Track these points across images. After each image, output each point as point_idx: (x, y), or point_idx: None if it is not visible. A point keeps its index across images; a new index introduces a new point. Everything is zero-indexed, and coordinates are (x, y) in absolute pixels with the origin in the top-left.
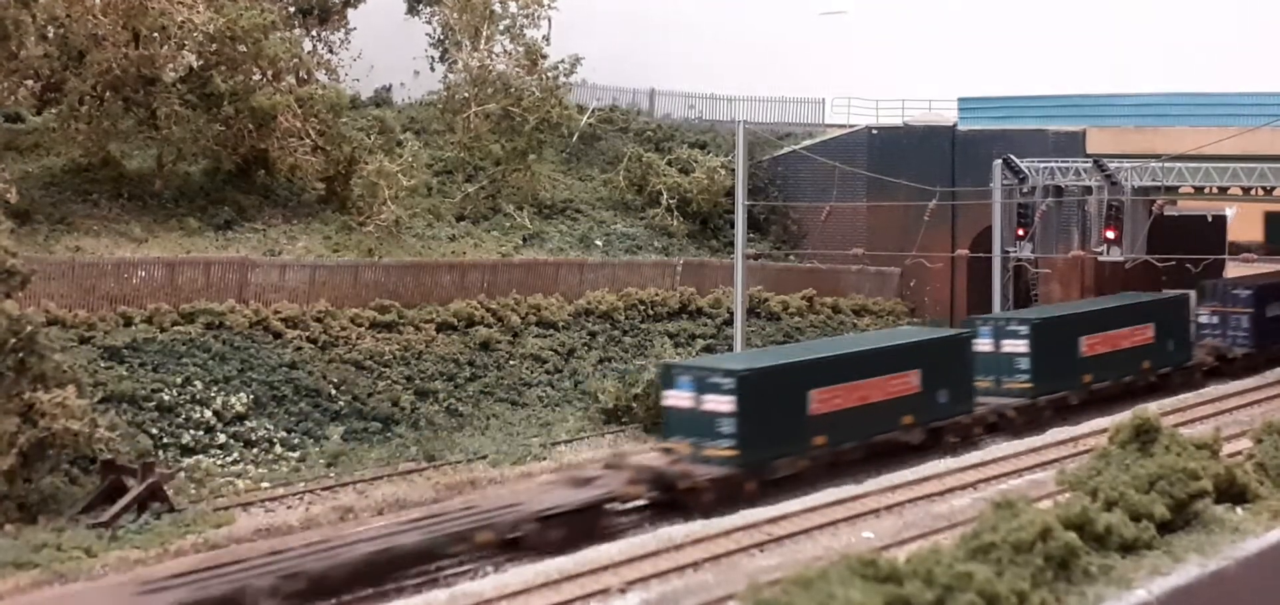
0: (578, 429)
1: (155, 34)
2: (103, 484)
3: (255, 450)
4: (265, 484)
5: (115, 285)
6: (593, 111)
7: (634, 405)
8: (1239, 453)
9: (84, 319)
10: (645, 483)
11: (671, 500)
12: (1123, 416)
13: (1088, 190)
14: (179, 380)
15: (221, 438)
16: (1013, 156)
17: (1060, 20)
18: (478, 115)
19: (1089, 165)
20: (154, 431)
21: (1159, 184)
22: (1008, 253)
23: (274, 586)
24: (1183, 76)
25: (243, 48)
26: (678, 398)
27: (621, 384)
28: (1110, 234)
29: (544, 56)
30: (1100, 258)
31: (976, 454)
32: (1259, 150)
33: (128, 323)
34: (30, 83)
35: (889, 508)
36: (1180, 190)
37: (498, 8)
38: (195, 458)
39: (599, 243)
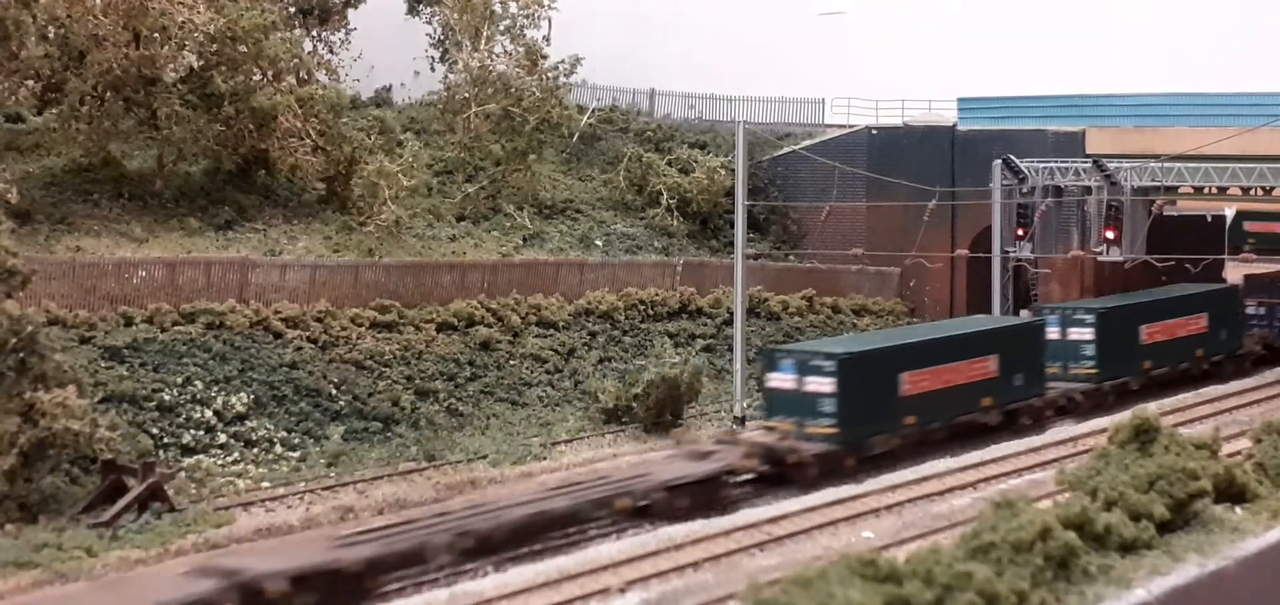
0: (578, 429)
1: (156, 34)
2: (103, 484)
3: (256, 450)
4: (266, 484)
5: (116, 285)
6: (593, 111)
7: (634, 405)
8: (1238, 452)
9: (85, 319)
10: (758, 457)
11: (779, 474)
12: (1122, 416)
13: (1087, 190)
14: (179, 380)
15: (222, 438)
16: (1012, 156)
17: (1060, 20)
18: (478, 115)
19: (1088, 165)
20: (154, 431)
21: (1158, 184)
22: (1007, 253)
23: (449, 543)
24: (1182, 76)
25: (243, 48)
26: (780, 380)
27: (621, 384)
28: (1110, 234)
29: (544, 57)
30: (1100, 258)
31: (976, 454)
32: (1259, 150)
33: (128, 323)
34: (31, 83)
35: (889, 508)
36: (1180, 190)
37: (498, 8)
38: (196, 457)
39: (599, 243)
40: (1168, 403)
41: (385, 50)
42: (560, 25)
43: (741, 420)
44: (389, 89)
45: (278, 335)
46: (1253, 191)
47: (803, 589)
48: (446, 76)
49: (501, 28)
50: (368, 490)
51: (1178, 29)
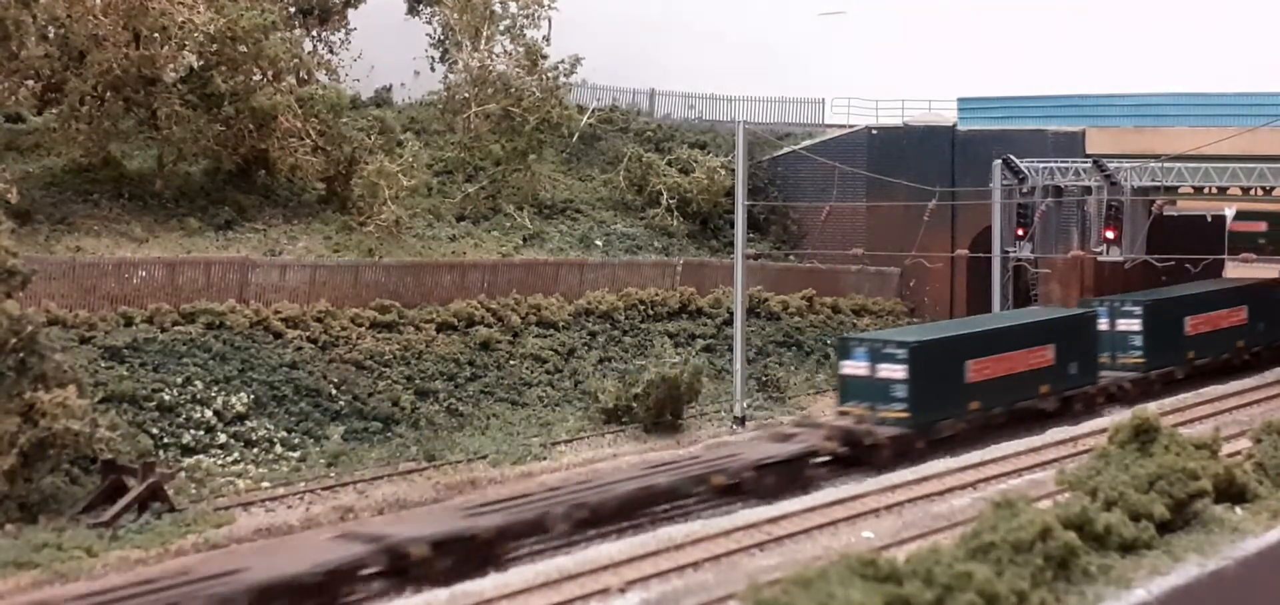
0: (578, 429)
1: (156, 34)
2: (103, 484)
3: (256, 450)
4: (265, 484)
5: (116, 285)
6: (593, 111)
7: (634, 405)
8: (1238, 452)
9: (85, 319)
10: (837, 439)
11: (854, 455)
12: (1122, 416)
13: (1087, 190)
14: (179, 380)
15: (222, 438)
16: (1012, 157)
17: (1060, 20)
18: (478, 115)
19: (1088, 165)
20: (154, 431)
21: (1158, 184)
22: (1007, 253)
23: (566, 513)
24: (1182, 76)
25: (243, 48)
26: (854, 367)
27: (621, 384)
28: (1110, 234)
29: (544, 56)
30: (1100, 258)
31: (976, 454)
32: (1258, 150)
33: (128, 323)
34: (31, 83)
35: (889, 507)
36: (1179, 190)
37: (498, 8)
38: (196, 457)
39: (599, 243)
40: (1168, 403)
41: (385, 50)
42: (560, 25)
43: (741, 420)
44: (389, 89)
45: (278, 335)
46: (1253, 191)
47: (803, 589)
48: (446, 76)
49: (501, 28)
50: (368, 490)
51: (1178, 29)
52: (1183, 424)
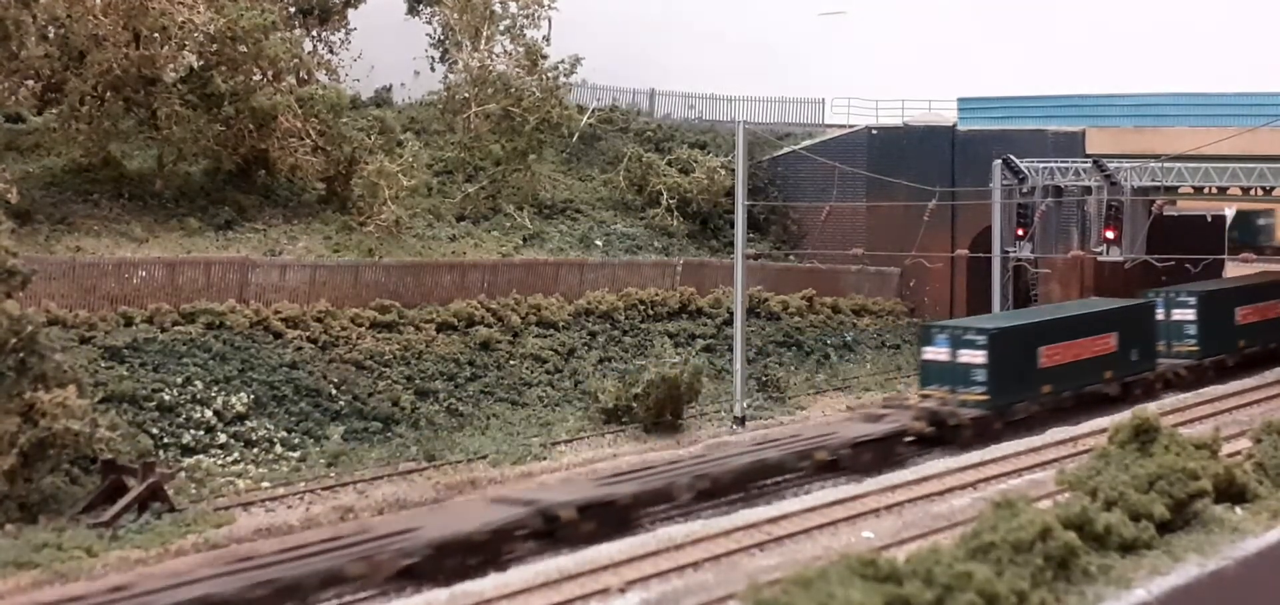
0: (578, 429)
1: (156, 34)
2: (103, 484)
3: (256, 450)
4: (266, 484)
5: (116, 285)
6: (593, 111)
7: (634, 405)
8: (1238, 452)
9: (85, 319)
10: (925, 419)
11: (938, 436)
12: (1123, 416)
13: (1087, 190)
14: (179, 380)
15: (222, 438)
16: (1012, 156)
17: (1060, 20)
18: (478, 115)
19: (1088, 165)
20: (154, 431)
21: (1158, 184)
22: (1007, 253)
23: (690, 483)
24: (1182, 76)
25: (243, 48)
26: (935, 353)
27: (621, 384)
28: (1110, 234)
29: (544, 56)
30: (1100, 258)
31: (976, 454)
32: (1258, 150)
33: (128, 323)
34: (31, 83)
35: (889, 507)
36: (1180, 190)
37: (498, 8)
38: (196, 457)
39: (599, 243)
40: (1168, 403)
41: (385, 50)
42: (560, 25)
43: (741, 421)
44: (389, 89)
45: (278, 335)
46: (1253, 191)
47: (803, 589)
48: (446, 76)
49: (501, 28)
50: (368, 490)
51: (1178, 29)
52: (1183, 424)
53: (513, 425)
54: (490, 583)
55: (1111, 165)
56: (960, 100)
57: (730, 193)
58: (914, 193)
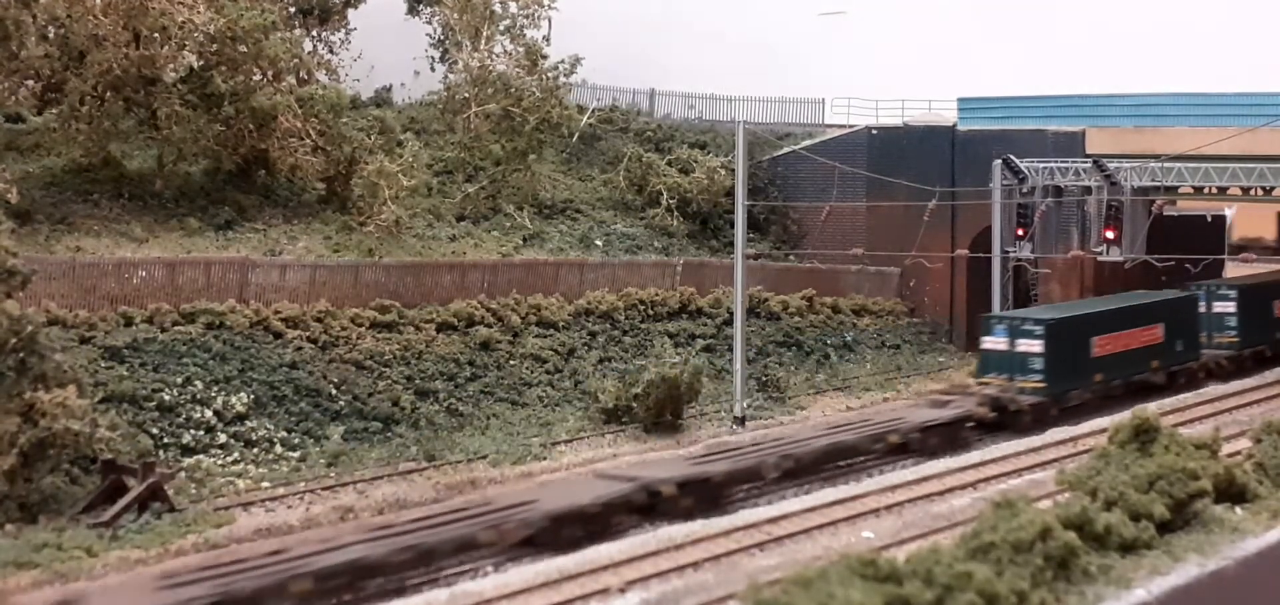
0: (578, 429)
1: (156, 34)
2: (103, 484)
3: (256, 450)
4: (265, 484)
5: (116, 285)
6: (593, 111)
7: (634, 405)
8: (1238, 453)
9: (85, 319)
10: (987, 405)
11: (998, 421)
12: (1122, 416)
13: (1087, 190)
14: (179, 380)
15: (222, 438)
16: (1012, 156)
17: (1060, 20)
18: (478, 115)
19: (1088, 165)
20: (154, 431)
21: (1158, 184)
22: (1007, 253)
23: (777, 463)
24: (1182, 76)
25: (243, 48)
26: (994, 342)
27: (621, 384)
28: (1110, 234)
29: (544, 56)
30: (1100, 258)
31: (976, 454)
32: (1258, 150)
33: (128, 323)
34: (31, 83)
35: (889, 508)
36: (1180, 190)
37: (498, 8)
38: (196, 457)
39: (599, 243)
40: (1168, 403)
41: (385, 50)
42: (560, 25)
43: (742, 420)
44: (389, 89)
45: (278, 335)
46: (1253, 191)
47: (803, 589)
48: (446, 76)
49: (501, 28)
50: (368, 490)
51: (1178, 29)
52: (1183, 424)
53: (513, 425)
54: (490, 583)
55: (1111, 165)
56: (960, 100)
57: (730, 193)
58: (914, 193)
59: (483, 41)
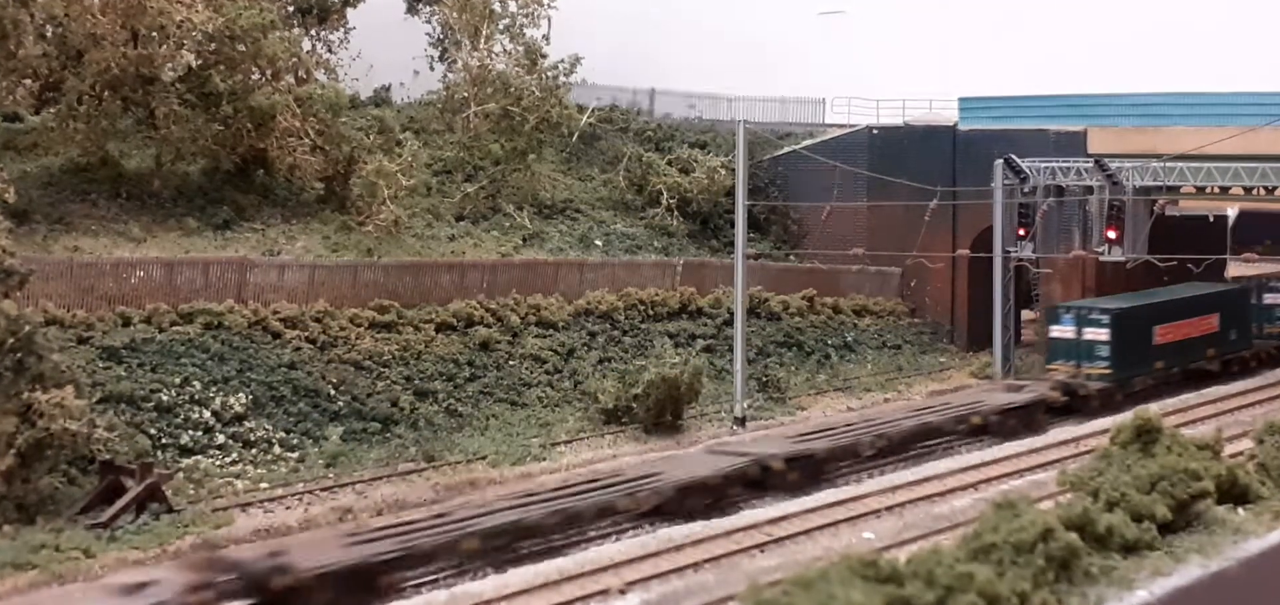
0: (577, 429)
1: (154, 33)
2: (101, 484)
3: (254, 450)
4: (264, 484)
5: (114, 285)
6: (593, 111)
7: (634, 405)
8: (1241, 453)
9: (82, 319)
10: (1060, 390)
11: (1068, 406)
12: (1124, 416)
13: (1089, 190)
14: (177, 380)
15: (220, 438)
16: (1013, 156)
17: (1060, 20)
18: (477, 115)
19: (1090, 165)
20: (152, 432)
21: (1160, 184)
22: (1009, 253)
23: (871, 442)
24: (1184, 76)
25: (242, 47)
26: (1061, 331)
27: (621, 384)
28: (1112, 234)
29: (544, 56)
30: (1102, 258)
31: (977, 454)
32: (1260, 150)
33: (126, 323)
34: (29, 82)
35: (889, 508)
36: (1182, 190)
37: (497, 7)
38: (194, 458)
39: (599, 243)
40: (1171, 403)
41: (385, 50)
42: (560, 25)
43: (742, 421)
44: (388, 88)
45: (276, 335)
46: (1254, 191)
47: (803, 590)
48: (446, 76)
49: (501, 27)
50: (366, 491)
51: (1179, 29)
52: (1185, 424)
53: (512, 425)
54: (490, 583)
55: (1113, 165)
56: (961, 100)
57: (730, 193)
58: (915, 193)
59: (482, 41)
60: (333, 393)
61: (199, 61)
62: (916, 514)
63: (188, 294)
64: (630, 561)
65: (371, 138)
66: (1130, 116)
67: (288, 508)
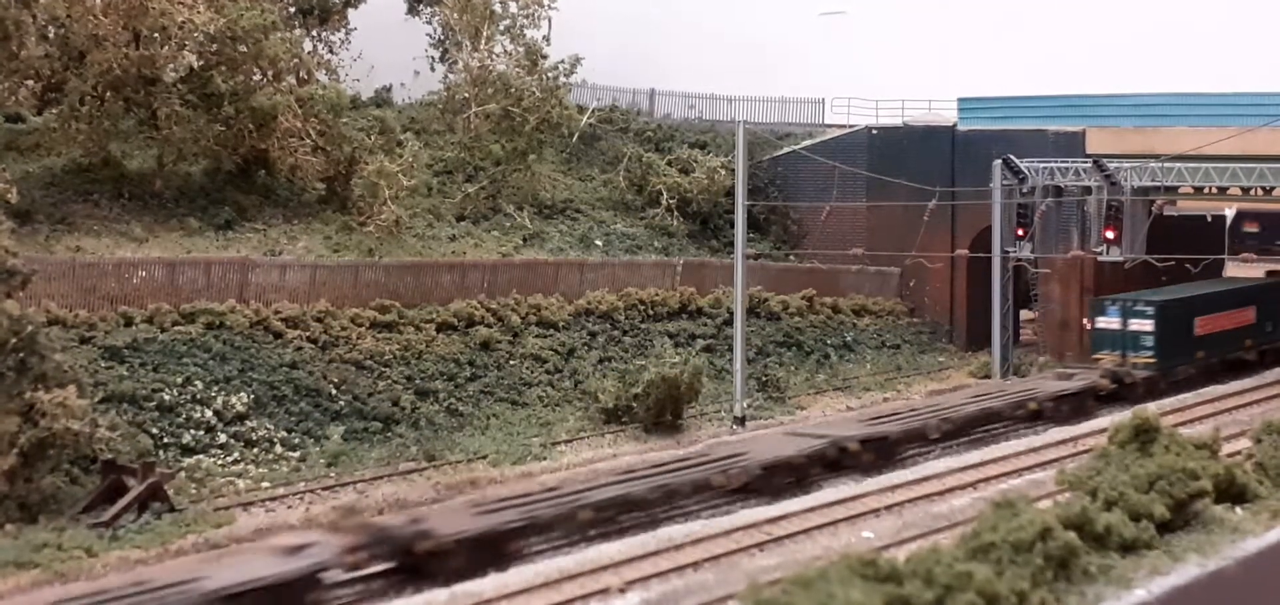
0: (578, 429)
1: (156, 34)
2: (103, 484)
3: (256, 450)
4: (265, 484)
5: (116, 285)
6: (593, 111)
7: (634, 405)
8: (1238, 452)
9: (84, 319)
10: (1108, 378)
11: (1115, 393)
12: (1123, 416)
13: (1087, 190)
14: (179, 380)
15: (222, 437)
16: (1012, 156)
17: (1060, 20)
18: (478, 115)
19: (1089, 165)
20: (154, 431)
21: (1159, 184)
22: (1008, 253)
23: (936, 425)
24: (1183, 76)
25: (243, 48)
26: (1106, 322)
27: (621, 384)
28: (1110, 234)
29: (544, 56)
30: (1100, 258)
31: (976, 454)
32: (1259, 150)
33: (128, 323)
34: (31, 83)
35: (889, 508)
36: (1180, 190)
37: (498, 8)
38: (196, 457)
39: (599, 243)
40: (1169, 403)
41: (385, 50)
42: (560, 25)
43: (742, 421)
44: (389, 89)
45: (278, 335)
46: (1253, 191)
47: (803, 589)
48: (446, 76)
49: (501, 28)
50: (368, 490)
51: (1178, 29)
52: (1183, 424)
53: (513, 425)
54: (490, 583)
55: (1111, 165)
56: (960, 100)
57: (730, 193)
58: (914, 193)
59: (483, 41)
60: (334, 392)
61: (201, 62)
62: (915, 513)
63: (190, 294)
64: (630, 560)
65: (372, 138)
66: (1129, 117)
67: (289, 507)
